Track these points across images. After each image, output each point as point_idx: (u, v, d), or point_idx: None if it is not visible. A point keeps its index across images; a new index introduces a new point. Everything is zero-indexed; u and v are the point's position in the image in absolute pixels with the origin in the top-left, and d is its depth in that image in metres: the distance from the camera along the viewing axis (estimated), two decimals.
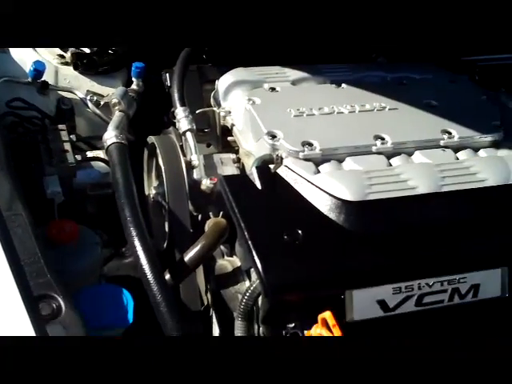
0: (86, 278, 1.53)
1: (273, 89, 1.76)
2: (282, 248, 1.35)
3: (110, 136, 1.61)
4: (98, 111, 1.99)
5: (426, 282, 1.37)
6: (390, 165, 1.55)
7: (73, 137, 1.84)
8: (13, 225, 1.28)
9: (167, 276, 1.47)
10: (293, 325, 1.35)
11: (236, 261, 1.60)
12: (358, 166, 1.51)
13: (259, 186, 1.46)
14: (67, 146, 1.77)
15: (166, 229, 1.69)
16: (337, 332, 1.24)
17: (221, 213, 1.59)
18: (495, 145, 1.65)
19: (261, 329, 1.43)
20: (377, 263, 1.37)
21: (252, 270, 1.47)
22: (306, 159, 1.51)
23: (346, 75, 1.85)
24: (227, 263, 1.61)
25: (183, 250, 1.52)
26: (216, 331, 1.61)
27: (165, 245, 1.71)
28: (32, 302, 1.16)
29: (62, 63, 2.03)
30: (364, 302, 1.35)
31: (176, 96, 1.75)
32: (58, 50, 2.04)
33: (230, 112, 1.73)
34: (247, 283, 1.52)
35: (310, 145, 1.52)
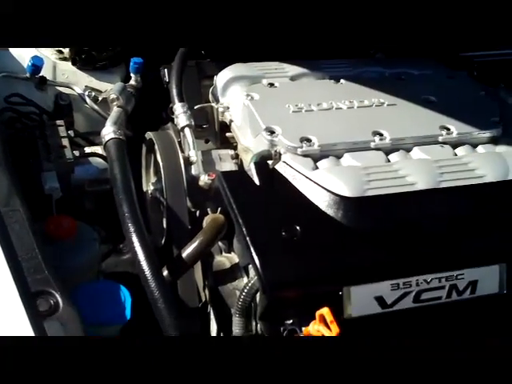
0: (84, 274, 1.53)
1: (271, 84, 1.75)
2: (280, 244, 1.35)
3: (108, 132, 1.61)
4: (96, 107, 1.99)
5: (423, 279, 1.37)
6: (389, 161, 1.55)
7: (71, 132, 1.83)
8: (10, 220, 1.28)
9: (165, 272, 1.47)
10: (291, 321, 1.35)
11: (234, 257, 1.60)
12: (356, 162, 1.51)
13: (257, 182, 1.46)
14: (65, 142, 1.77)
15: (164, 225, 1.69)
16: (334, 328, 1.24)
17: (219, 209, 1.59)
18: (494, 141, 1.64)
19: (258, 325, 1.43)
20: (375, 259, 1.37)
21: (250, 266, 1.46)
22: (305, 155, 1.51)
23: (344, 71, 1.85)
24: (225, 259, 1.61)
25: (181, 247, 1.52)
26: (214, 328, 1.61)
27: (163, 241, 1.71)
28: (29, 298, 1.16)
29: (61, 58, 2.03)
30: (362, 299, 1.34)
31: (174, 92, 1.75)
32: None
33: (228, 108, 1.73)
34: (245, 279, 1.52)
35: (309, 141, 1.52)
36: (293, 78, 1.81)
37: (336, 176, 1.45)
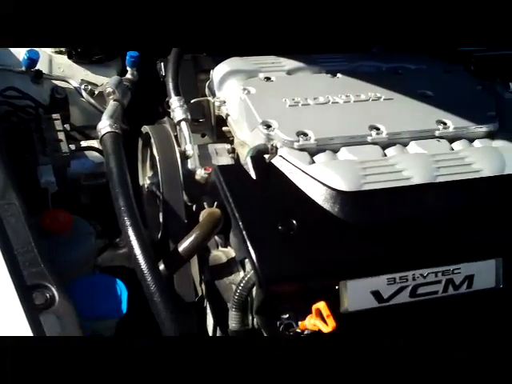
0: (80, 268, 1.53)
1: (268, 78, 1.75)
2: (276, 238, 1.35)
3: (104, 125, 1.60)
4: (92, 100, 1.98)
5: (420, 273, 1.37)
6: (385, 155, 1.55)
7: (67, 126, 1.83)
8: (6, 214, 1.27)
9: (161, 266, 1.47)
10: (287, 315, 1.35)
11: (230, 251, 1.59)
12: (352, 156, 1.51)
13: (254, 176, 1.46)
14: (61, 136, 1.76)
15: (161, 219, 1.69)
16: (331, 322, 1.24)
17: (215, 203, 1.59)
18: (490, 135, 1.64)
19: (255, 319, 1.43)
20: (371, 254, 1.37)
21: (246, 260, 1.46)
22: (301, 149, 1.50)
23: (341, 65, 1.84)
24: (221, 254, 1.60)
25: (177, 241, 1.51)
26: (210, 322, 1.61)
27: (159, 235, 1.70)
28: (25, 291, 1.16)
29: (56, 52, 2.03)
30: (358, 293, 1.34)
31: (171, 85, 1.74)
32: None
33: (224, 102, 1.72)
34: (241, 274, 1.52)
35: (305, 135, 1.52)
36: (289, 72, 1.80)
37: (332, 170, 1.45)
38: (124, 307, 1.40)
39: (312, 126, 1.54)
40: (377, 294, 1.35)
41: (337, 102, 1.66)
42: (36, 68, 1.94)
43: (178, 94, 1.73)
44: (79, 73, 2.03)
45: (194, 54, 1.90)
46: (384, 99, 1.69)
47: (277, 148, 1.52)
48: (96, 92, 1.98)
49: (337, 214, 1.39)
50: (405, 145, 1.58)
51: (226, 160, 1.66)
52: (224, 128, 1.75)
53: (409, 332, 1.42)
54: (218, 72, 1.77)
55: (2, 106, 1.82)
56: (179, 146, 1.67)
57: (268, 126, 1.54)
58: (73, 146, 1.78)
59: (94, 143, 1.81)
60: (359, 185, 1.43)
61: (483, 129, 1.64)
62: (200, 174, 1.58)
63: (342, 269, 1.35)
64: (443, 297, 1.40)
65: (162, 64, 1.85)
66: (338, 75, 1.80)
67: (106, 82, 1.89)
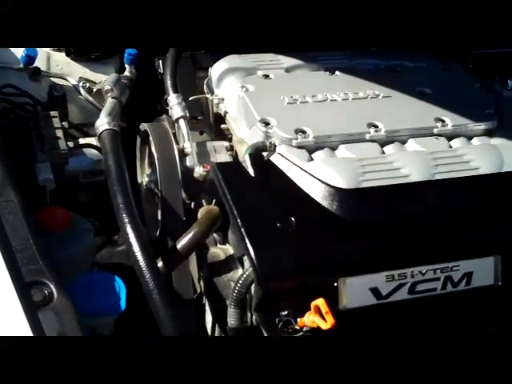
0: (78, 265, 1.53)
1: (266, 76, 1.75)
2: (274, 235, 1.35)
3: (103, 123, 1.60)
4: (90, 98, 1.98)
5: (419, 270, 1.37)
6: (384, 153, 1.55)
7: (65, 124, 1.83)
8: (4, 211, 1.27)
9: (160, 263, 1.47)
10: (286, 312, 1.35)
11: (229, 249, 1.59)
12: (351, 154, 1.51)
13: (252, 174, 1.46)
14: (59, 133, 1.76)
15: (159, 217, 1.69)
16: (330, 319, 1.24)
17: (214, 200, 1.59)
18: (489, 133, 1.64)
19: (254, 316, 1.43)
20: (370, 251, 1.37)
21: (245, 257, 1.46)
22: (300, 147, 1.50)
23: (339, 63, 1.84)
24: (220, 251, 1.60)
25: (176, 238, 1.51)
26: (209, 319, 1.61)
27: (157, 233, 1.70)
28: (24, 288, 1.16)
29: (54, 49, 2.03)
30: (357, 290, 1.34)
31: (169, 83, 1.74)
32: None
33: (223, 99, 1.72)
34: (240, 271, 1.52)
35: (304, 132, 1.52)
36: (288, 70, 1.80)
37: (331, 168, 1.45)
38: (122, 304, 1.40)
39: (310, 124, 1.54)
40: (375, 291, 1.35)
41: (335, 100, 1.66)
42: (34, 65, 1.94)
43: (176, 91, 1.73)
44: (77, 70, 2.03)
45: (193, 51, 1.90)
46: (382, 97, 1.69)
47: (275, 145, 1.51)
48: (94, 89, 1.98)
49: (335, 211, 1.39)
50: (403, 142, 1.58)
51: (224, 157, 1.66)
52: (222, 125, 1.75)
53: (407, 329, 1.42)
54: (216, 69, 1.77)
55: (0, 103, 1.82)
56: (177, 143, 1.67)
57: (266, 124, 1.54)
58: (71, 144, 1.78)
59: (93, 141, 1.80)
60: (357, 182, 1.43)
61: (481, 126, 1.64)
62: (198, 171, 1.58)
63: (341, 266, 1.36)
64: (442, 294, 1.40)
65: (161, 61, 1.85)
66: (337, 73, 1.80)
67: (104, 79, 1.89)
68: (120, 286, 1.43)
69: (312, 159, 1.49)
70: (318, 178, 1.43)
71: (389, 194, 1.44)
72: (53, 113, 1.81)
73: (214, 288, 1.54)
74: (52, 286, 1.18)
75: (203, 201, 1.63)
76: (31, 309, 1.13)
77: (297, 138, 1.51)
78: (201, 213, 1.54)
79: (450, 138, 1.61)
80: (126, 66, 1.99)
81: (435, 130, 1.60)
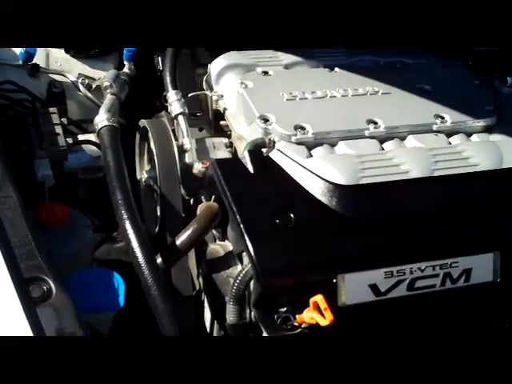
0: (77, 262, 1.53)
1: (265, 72, 1.74)
2: (273, 232, 1.35)
3: (102, 119, 1.60)
4: (89, 94, 1.99)
5: (417, 267, 1.37)
6: (383, 149, 1.54)
7: (64, 120, 1.83)
8: (3, 207, 1.27)
9: (159, 260, 1.47)
10: (284, 309, 1.35)
11: (228, 245, 1.59)
12: (350, 150, 1.51)
13: (251, 170, 1.45)
14: (58, 129, 1.76)
15: (158, 213, 1.68)
16: (328, 316, 1.24)
17: (213, 197, 1.59)
18: (488, 130, 1.64)
19: (252, 313, 1.43)
20: (369, 247, 1.37)
21: (244, 253, 1.46)
22: (299, 143, 1.50)
23: (339, 59, 1.84)
24: (219, 247, 1.60)
25: (175, 234, 1.51)
26: (208, 315, 1.61)
27: (156, 229, 1.70)
28: (22, 284, 1.16)
29: None
30: (356, 286, 1.34)
31: (168, 79, 1.74)
32: None
33: (222, 96, 1.72)
34: (239, 267, 1.52)
35: (303, 129, 1.52)
36: (287, 67, 1.80)
37: (330, 164, 1.44)
38: (121, 300, 1.40)
39: (310, 120, 1.54)
40: (374, 288, 1.35)
41: (334, 96, 1.66)
42: (33, 62, 1.94)
43: (175, 87, 1.73)
44: (76, 67, 2.03)
45: (191, 48, 1.90)
46: (382, 93, 1.69)
47: (274, 142, 1.51)
48: (93, 86, 1.99)
49: (334, 207, 1.39)
50: (402, 139, 1.58)
51: (223, 154, 1.66)
52: (221, 122, 1.75)
53: (406, 325, 1.42)
54: (215, 66, 1.77)
55: None
56: (177, 140, 1.67)
57: (265, 120, 1.54)
58: (70, 140, 1.78)
59: (92, 137, 1.81)
60: (357, 178, 1.43)
61: (481, 123, 1.64)
62: (197, 167, 1.58)
63: (340, 262, 1.35)
64: (441, 290, 1.40)
65: (160, 58, 1.86)
66: (336, 69, 1.79)
67: (103, 75, 1.89)
68: (119, 282, 1.42)
69: (311, 155, 1.49)
70: (317, 174, 1.42)
71: (388, 190, 1.44)
72: (52, 109, 1.81)
73: (213, 284, 1.54)
74: (51, 282, 1.18)
75: (202, 197, 1.63)
76: (30, 305, 1.13)
77: (296, 135, 1.50)
78: (200, 209, 1.54)
79: (449, 134, 1.61)
80: (125, 62, 1.99)
81: (434, 127, 1.60)
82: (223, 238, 1.62)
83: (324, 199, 1.40)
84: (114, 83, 1.76)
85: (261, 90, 1.65)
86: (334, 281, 1.33)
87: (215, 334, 1.59)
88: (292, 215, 1.36)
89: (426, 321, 1.43)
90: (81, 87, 1.99)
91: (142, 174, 1.84)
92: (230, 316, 1.44)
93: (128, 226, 1.38)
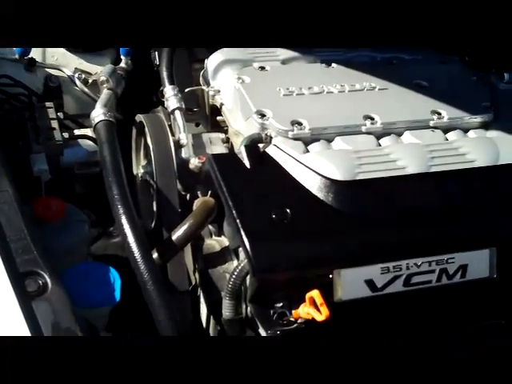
0: (73, 256, 1.52)
1: (262, 68, 1.74)
2: (270, 227, 1.35)
3: (98, 114, 1.60)
4: (85, 89, 1.98)
5: (414, 262, 1.37)
6: (380, 145, 1.54)
7: (60, 114, 1.82)
8: None
9: (155, 255, 1.46)
10: (281, 304, 1.35)
11: (224, 240, 1.59)
12: (347, 146, 1.51)
13: (248, 166, 1.45)
14: (54, 124, 1.75)
15: (154, 208, 1.68)
16: (324, 311, 1.24)
17: (209, 192, 1.58)
18: (485, 126, 1.64)
19: (248, 308, 1.43)
20: (365, 243, 1.37)
21: (240, 249, 1.46)
22: (295, 138, 1.50)
23: (336, 55, 1.83)
24: (215, 243, 1.60)
25: (171, 230, 1.51)
26: (204, 311, 1.61)
27: (153, 224, 1.70)
28: (18, 278, 1.16)
29: None
30: (352, 282, 1.34)
31: (165, 74, 1.74)
32: None
33: (219, 91, 1.72)
34: (235, 262, 1.52)
35: (300, 124, 1.52)
36: (284, 62, 1.79)
37: (327, 159, 1.44)
38: (117, 295, 1.40)
39: (306, 116, 1.53)
40: (370, 283, 1.35)
41: (331, 92, 1.66)
42: (29, 56, 1.93)
43: (172, 82, 1.72)
44: (73, 61, 2.02)
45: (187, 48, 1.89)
46: (379, 89, 1.69)
47: (271, 137, 1.51)
48: (90, 81, 1.98)
49: (331, 203, 1.39)
50: (399, 135, 1.58)
51: (220, 149, 1.65)
52: (218, 117, 1.74)
53: (402, 321, 1.43)
54: (212, 61, 1.77)
55: None
56: (173, 135, 1.67)
57: (262, 116, 1.54)
58: (66, 135, 1.77)
59: (88, 132, 1.80)
60: (353, 174, 1.42)
61: (478, 119, 1.64)
62: (194, 163, 1.58)
63: (336, 258, 1.36)
64: (437, 286, 1.40)
65: (156, 53, 1.85)
66: (333, 65, 1.79)
67: (99, 70, 1.89)
68: (115, 276, 1.42)
69: (308, 151, 1.49)
70: (313, 169, 1.42)
71: (385, 186, 1.44)
72: (48, 104, 1.80)
73: (209, 280, 1.54)
74: (46, 277, 1.18)
75: (199, 192, 1.62)
76: (25, 299, 1.13)
77: (293, 130, 1.50)
78: (196, 204, 1.54)
79: (446, 130, 1.61)
80: (122, 57, 1.98)
81: (431, 123, 1.60)
82: (219, 233, 1.62)
83: (320, 195, 1.40)
84: (110, 78, 1.75)
85: (258, 86, 1.64)
86: (330, 276, 1.33)
87: (211, 329, 1.60)
88: (288, 210, 1.36)
89: (423, 317, 1.43)
90: (77, 82, 1.98)
91: (139, 169, 1.84)
92: (226, 311, 1.44)
93: (124, 221, 1.38)
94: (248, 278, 1.40)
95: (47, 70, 1.98)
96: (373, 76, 1.72)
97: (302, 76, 1.71)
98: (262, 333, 1.37)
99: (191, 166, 1.59)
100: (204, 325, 1.61)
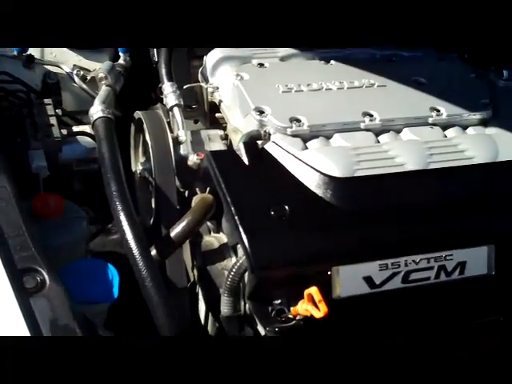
0: (71, 253, 1.52)
1: (261, 64, 1.74)
2: (268, 224, 1.34)
3: (97, 110, 1.60)
4: (84, 86, 1.98)
5: (412, 259, 1.37)
6: (378, 142, 1.54)
7: (59, 111, 1.82)
8: None
9: (153, 252, 1.46)
10: (279, 301, 1.35)
11: (222, 237, 1.59)
12: (346, 143, 1.51)
13: (246, 162, 1.45)
14: (53, 121, 1.76)
15: (153, 205, 1.68)
16: (323, 308, 1.24)
17: (207, 189, 1.58)
18: (483, 123, 1.64)
19: (247, 305, 1.43)
20: (363, 239, 1.37)
21: (238, 245, 1.46)
22: (294, 135, 1.50)
23: (335, 52, 1.83)
24: (214, 239, 1.60)
25: (169, 226, 1.51)
26: (202, 307, 1.61)
27: (151, 221, 1.70)
28: (16, 275, 1.16)
29: None
30: (350, 279, 1.34)
31: (163, 71, 1.74)
32: None
33: (217, 88, 1.71)
34: (234, 259, 1.52)
35: (298, 121, 1.51)
36: (283, 59, 1.79)
37: (325, 156, 1.44)
38: (115, 292, 1.40)
39: (305, 113, 1.53)
40: (369, 280, 1.35)
41: (330, 89, 1.66)
42: (28, 53, 1.93)
43: (170, 79, 1.72)
44: (71, 58, 2.02)
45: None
46: (377, 86, 1.68)
47: (270, 134, 1.51)
48: (88, 77, 1.98)
49: (329, 199, 1.39)
50: (398, 131, 1.58)
51: (218, 146, 1.65)
52: (217, 114, 1.74)
53: (401, 318, 1.43)
54: (211, 58, 1.76)
55: None
56: (172, 131, 1.67)
57: (261, 112, 1.53)
58: (65, 131, 1.78)
59: (86, 128, 1.80)
60: (352, 171, 1.42)
61: (476, 116, 1.64)
62: (192, 159, 1.58)
63: (335, 254, 1.35)
64: (435, 283, 1.40)
65: (155, 50, 1.84)
66: (332, 62, 1.79)
67: (98, 67, 1.89)
68: (113, 273, 1.42)
69: (306, 148, 1.49)
70: (312, 166, 1.42)
71: (383, 182, 1.44)
72: (46, 100, 1.81)
73: (208, 276, 1.54)
74: (44, 273, 1.18)
75: (197, 189, 1.62)
76: (23, 296, 1.13)
77: (291, 127, 1.50)
78: (195, 201, 1.54)
79: (444, 127, 1.60)
80: (121, 53, 1.98)
81: (430, 120, 1.60)
82: (218, 230, 1.62)
83: (319, 191, 1.40)
84: (109, 74, 1.75)
85: (256, 82, 1.64)
86: (329, 273, 1.33)
87: (210, 325, 1.59)
88: (287, 207, 1.36)
89: (421, 313, 1.43)
90: (76, 78, 1.98)
91: (137, 166, 1.84)
92: (225, 308, 1.44)
93: (122, 217, 1.38)
94: (246, 274, 1.40)
95: (45, 66, 1.98)
96: (372, 73, 1.72)
97: (300, 73, 1.71)
98: (261, 330, 1.38)
99: (190, 162, 1.59)
100: (202, 322, 1.61)
